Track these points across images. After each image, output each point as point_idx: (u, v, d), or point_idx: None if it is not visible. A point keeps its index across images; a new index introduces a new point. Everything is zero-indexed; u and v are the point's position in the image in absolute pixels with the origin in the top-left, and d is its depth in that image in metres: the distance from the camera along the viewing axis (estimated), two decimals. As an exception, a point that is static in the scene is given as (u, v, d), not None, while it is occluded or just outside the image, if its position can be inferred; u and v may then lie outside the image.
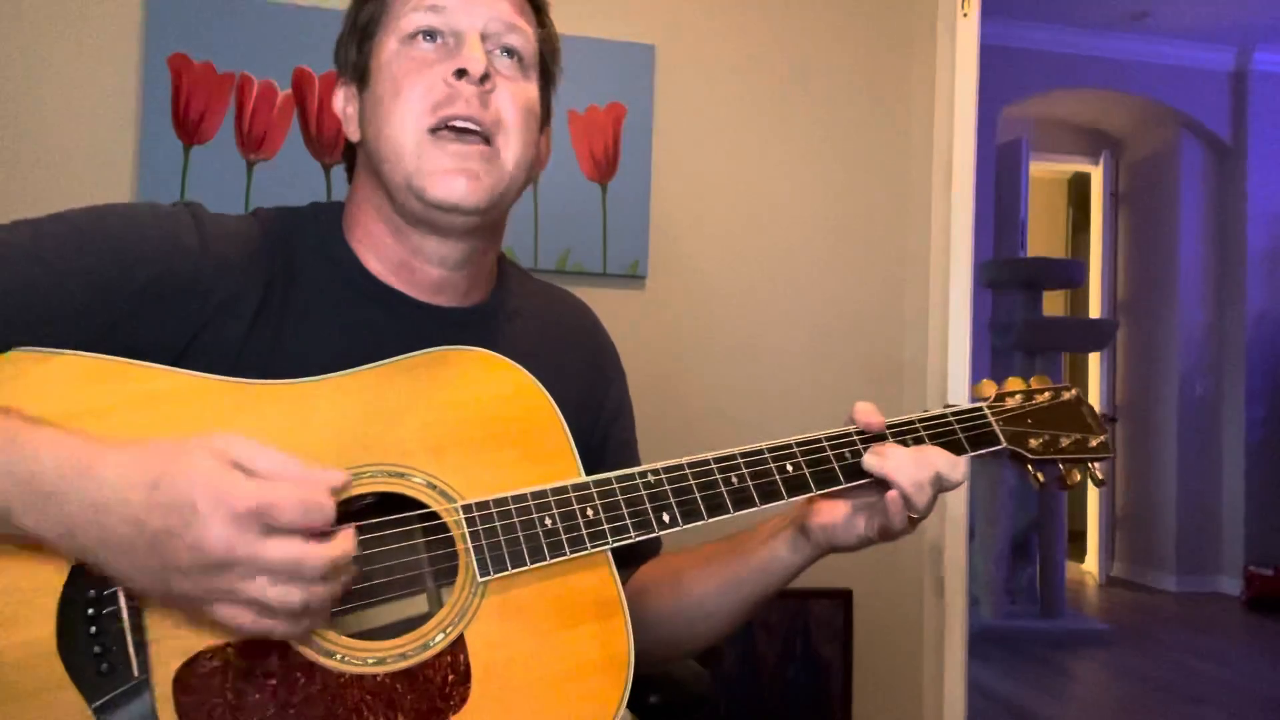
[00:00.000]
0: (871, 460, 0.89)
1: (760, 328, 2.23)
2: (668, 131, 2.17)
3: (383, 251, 0.92)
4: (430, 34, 0.88)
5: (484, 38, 0.89)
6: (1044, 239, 7.14)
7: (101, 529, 0.63)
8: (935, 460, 0.89)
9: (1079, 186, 7.15)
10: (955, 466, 0.90)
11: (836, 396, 2.24)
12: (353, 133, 0.94)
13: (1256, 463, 5.57)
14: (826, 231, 2.28)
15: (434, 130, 0.86)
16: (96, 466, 0.64)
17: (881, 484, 0.89)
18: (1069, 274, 5.05)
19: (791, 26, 2.27)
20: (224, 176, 1.93)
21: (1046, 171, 6.62)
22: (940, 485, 0.89)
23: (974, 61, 2.29)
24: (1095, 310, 6.22)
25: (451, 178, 0.85)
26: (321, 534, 0.66)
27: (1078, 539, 6.28)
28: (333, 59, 0.97)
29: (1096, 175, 6.27)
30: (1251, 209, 5.57)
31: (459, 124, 0.86)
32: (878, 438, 0.93)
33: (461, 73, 0.86)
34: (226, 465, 0.64)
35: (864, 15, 2.30)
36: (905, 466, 0.88)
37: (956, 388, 2.24)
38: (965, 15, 2.28)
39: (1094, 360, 6.27)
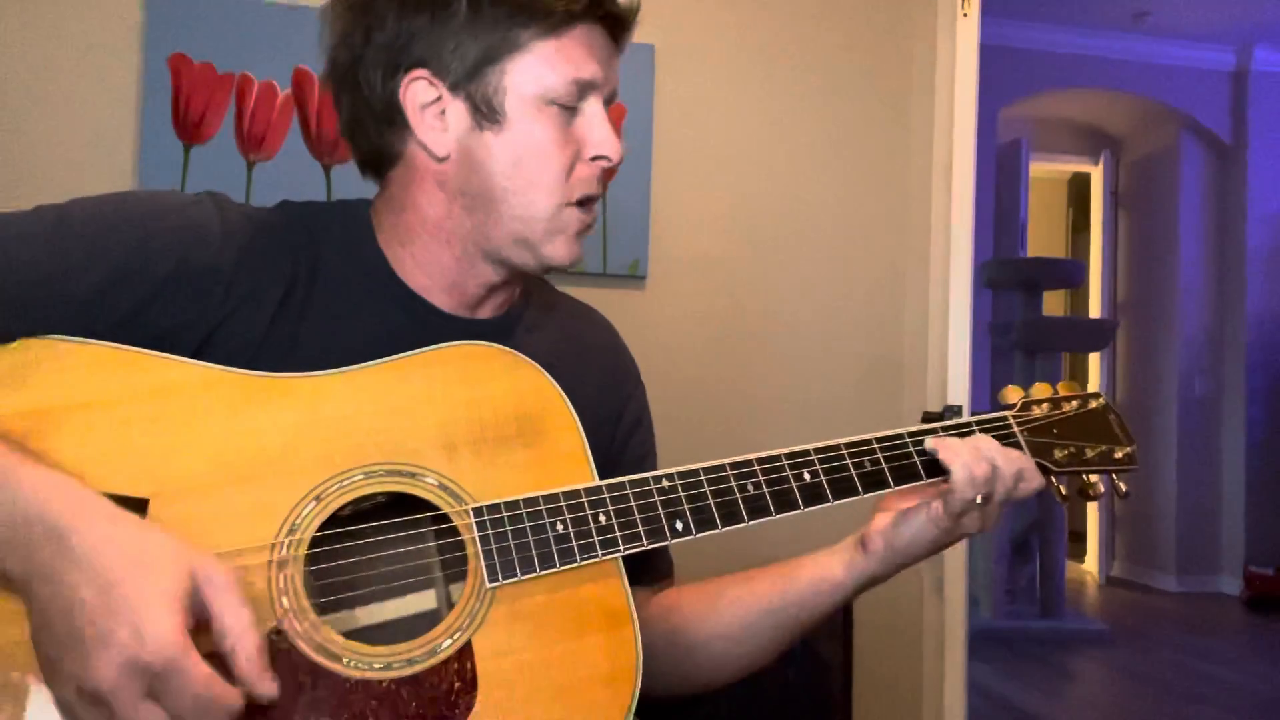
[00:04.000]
0: (931, 443, 0.89)
1: (760, 328, 2.23)
2: (668, 131, 2.17)
3: (434, 270, 0.90)
4: (570, 106, 0.88)
5: (606, 102, 0.90)
6: (1044, 239, 7.14)
7: (49, 598, 0.62)
8: (988, 449, 0.88)
9: (1079, 186, 7.15)
10: (1010, 462, 0.88)
11: (836, 396, 2.24)
12: (440, 146, 0.86)
13: (1256, 463, 5.57)
14: (827, 231, 2.27)
15: (567, 204, 0.88)
16: (76, 535, 0.63)
17: (915, 487, 0.90)
18: (1069, 274, 5.05)
19: (791, 26, 2.26)
20: (224, 176, 1.93)
21: (1046, 171, 6.62)
22: (998, 475, 0.87)
23: (974, 61, 2.28)
24: (1095, 310, 6.22)
25: (573, 242, 0.89)
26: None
27: (1078, 539, 6.28)
28: (402, 39, 0.85)
29: (1096, 175, 6.27)
30: (1251, 209, 5.57)
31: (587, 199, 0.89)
32: (897, 442, 0.91)
33: (601, 156, 0.88)
34: (179, 598, 0.62)
35: (864, 15, 2.30)
36: (960, 450, 0.87)
37: (956, 388, 2.24)
38: (965, 15, 2.28)
39: (1094, 360, 6.27)
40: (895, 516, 0.90)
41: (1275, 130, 5.58)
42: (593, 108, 0.88)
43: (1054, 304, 7.05)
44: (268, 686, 0.63)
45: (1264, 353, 5.58)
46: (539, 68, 0.85)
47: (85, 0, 1.90)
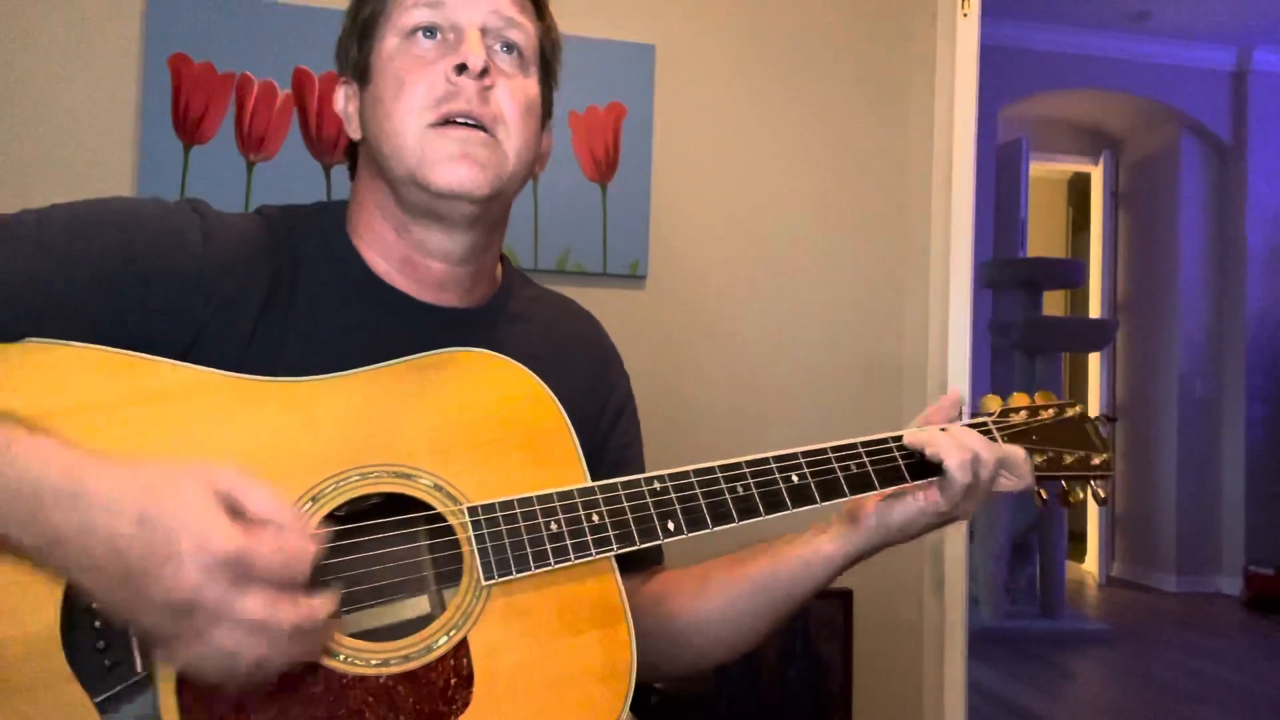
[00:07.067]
0: (913, 438, 0.91)
1: (760, 328, 2.23)
2: (668, 131, 2.17)
3: (386, 249, 0.92)
4: (430, 30, 0.88)
5: (484, 33, 0.89)
6: (1044, 239, 7.14)
7: (83, 551, 0.63)
8: (965, 437, 0.91)
9: (1079, 186, 7.16)
10: (990, 449, 0.91)
11: (836, 396, 2.24)
12: (354, 131, 0.94)
13: (1256, 463, 5.57)
14: (826, 231, 2.27)
15: (435, 124, 0.86)
16: (88, 486, 0.63)
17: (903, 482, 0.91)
18: (1069, 274, 5.06)
19: (791, 26, 2.26)
20: (224, 176, 1.93)
21: (1046, 171, 6.63)
22: (980, 461, 0.89)
23: (974, 61, 2.29)
24: (1095, 310, 6.22)
25: (455, 164, 0.85)
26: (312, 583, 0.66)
27: (1078, 539, 6.28)
28: (334, 58, 0.97)
29: (1096, 175, 6.28)
30: (1251, 209, 5.58)
31: (460, 119, 0.86)
32: (881, 446, 0.92)
33: (461, 68, 0.86)
34: (215, 503, 0.63)
35: (864, 15, 2.30)
36: (944, 442, 0.90)
37: (956, 388, 2.24)
38: (965, 15, 2.28)
39: (1094, 360, 6.28)
40: (888, 495, 0.93)
41: (1275, 130, 5.58)
42: (454, 31, 0.89)
43: (1054, 304, 7.06)
44: (316, 540, 0.67)
45: (1264, 353, 5.58)
46: (396, 13, 0.90)
47: (85, 0, 1.91)
